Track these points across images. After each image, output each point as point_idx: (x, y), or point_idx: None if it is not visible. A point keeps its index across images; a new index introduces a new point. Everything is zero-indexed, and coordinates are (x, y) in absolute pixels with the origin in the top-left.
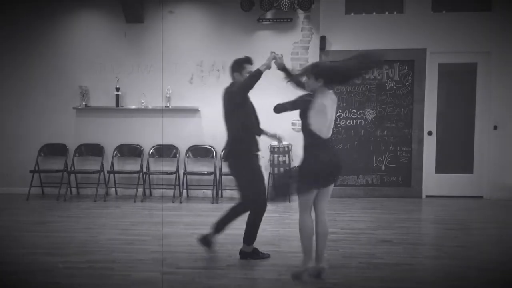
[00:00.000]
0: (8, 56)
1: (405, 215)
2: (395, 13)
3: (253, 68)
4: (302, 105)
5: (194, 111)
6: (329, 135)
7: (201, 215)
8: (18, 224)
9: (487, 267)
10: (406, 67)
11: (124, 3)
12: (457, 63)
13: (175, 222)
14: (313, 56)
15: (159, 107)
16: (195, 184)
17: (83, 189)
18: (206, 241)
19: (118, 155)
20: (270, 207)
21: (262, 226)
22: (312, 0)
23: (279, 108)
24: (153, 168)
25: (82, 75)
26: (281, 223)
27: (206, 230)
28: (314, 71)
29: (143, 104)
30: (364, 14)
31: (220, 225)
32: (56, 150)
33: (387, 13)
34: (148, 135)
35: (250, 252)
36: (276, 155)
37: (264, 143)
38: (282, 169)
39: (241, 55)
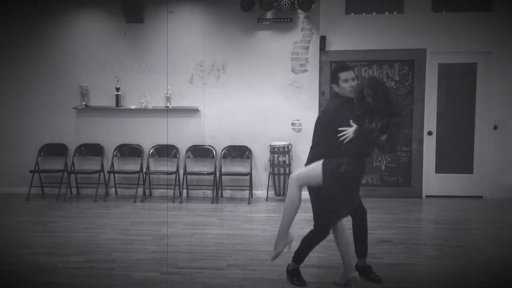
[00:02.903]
0: (8, 56)
1: (405, 215)
2: (395, 13)
3: (349, 73)
4: None
5: (194, 111)
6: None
7: (201, 215)
8: (18, 224)
9: (487, 267)
10: (406, 67)
11: (124, 3)
12: (457, 63)
13: (175, 222)
14: (313, 56)
15: (159, 107)
16: (195, 184)
17: (83, 189)
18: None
19: (118, 155)
20: (268, 207)
21: (262, 226)
22: (312, 0)
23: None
24: (153, 168)
25: (82, 75)
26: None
27: (206, 230)
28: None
29: (143, 104)
30: (364, 14)
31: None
32: (56, 150)
33: (387, 13)
34: (148, 135)
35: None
36: (276, 155)
37: (264, 142)
38: None
39: (241, 55)
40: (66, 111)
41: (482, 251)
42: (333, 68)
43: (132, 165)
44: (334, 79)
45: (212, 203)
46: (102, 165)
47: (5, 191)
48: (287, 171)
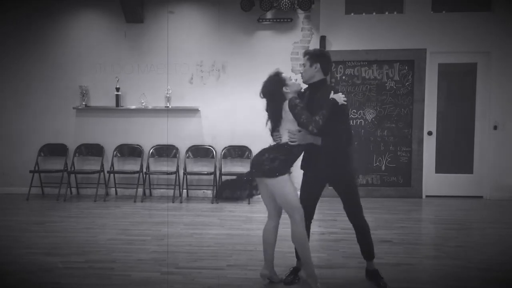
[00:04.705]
0: (8, 56)
1: (405, 215)
2: (395, 13)
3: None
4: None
5: (194, 111)
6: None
7: (201, 215)
8: (18, 224)
9: (487, 267)
10: (406, 67)
11: (124, 3)
12: (457, 63)
13: (175, 222)
14: None
15: (159, 107)
16: (195, 184)
17: (83, 189)
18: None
19: (118, 155)
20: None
21: (262, 226)
22: (312, 0)
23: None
24: (153, 168)
25: (82, 75)
26: (280, 223)
27: (206, 230)
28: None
29: (143, 104)
30: (364, 14)
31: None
32: (56, 150)
33: (387, 13)
34: (148, 135)
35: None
36: None
37: (264, 142)
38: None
39: (241, 55)
40: (66, 111)
41: (482, 251)
42: None
43: (132, 165)
44: None
45: (212, 203)
46: (102, 165)
47: (5, 191)
48: None
